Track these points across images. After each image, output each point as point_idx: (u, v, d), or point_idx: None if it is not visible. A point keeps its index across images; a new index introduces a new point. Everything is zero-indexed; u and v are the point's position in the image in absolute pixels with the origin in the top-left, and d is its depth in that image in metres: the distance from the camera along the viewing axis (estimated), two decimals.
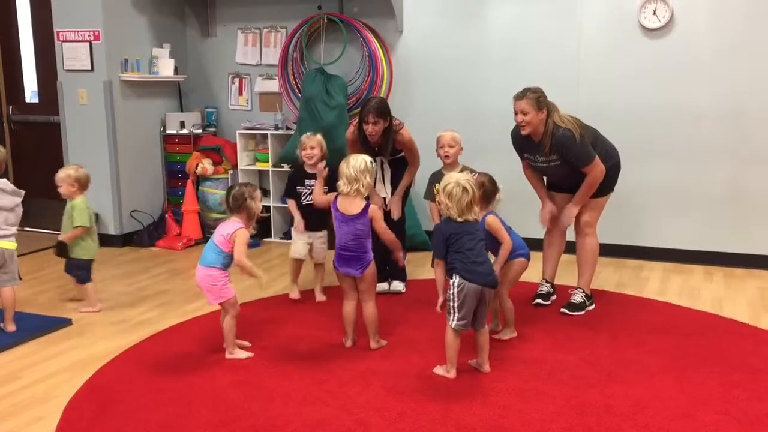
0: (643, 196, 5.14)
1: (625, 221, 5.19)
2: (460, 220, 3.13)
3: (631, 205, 5.17)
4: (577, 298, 4.09)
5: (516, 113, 3.89)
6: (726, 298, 4.32)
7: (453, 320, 3.14)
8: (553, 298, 4.26)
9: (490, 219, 3.52)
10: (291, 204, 4.41)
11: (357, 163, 3.45)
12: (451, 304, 3.14)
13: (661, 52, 4.96)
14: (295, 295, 4.40)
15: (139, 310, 4.26)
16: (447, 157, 4.13)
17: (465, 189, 3.12)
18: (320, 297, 4.41)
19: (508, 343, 3.61)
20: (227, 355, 3.46)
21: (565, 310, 4.04)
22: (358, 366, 3.34)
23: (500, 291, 3.57)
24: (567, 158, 3.89)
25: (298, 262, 4.41)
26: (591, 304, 4.13)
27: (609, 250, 5.16)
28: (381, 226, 3.49)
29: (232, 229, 3.40)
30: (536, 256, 4.45)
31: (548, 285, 4.28)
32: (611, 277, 4.79)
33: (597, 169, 3.91)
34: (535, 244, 4.43)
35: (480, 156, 4.59)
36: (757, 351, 3.49)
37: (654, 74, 5.00)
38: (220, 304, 3.45)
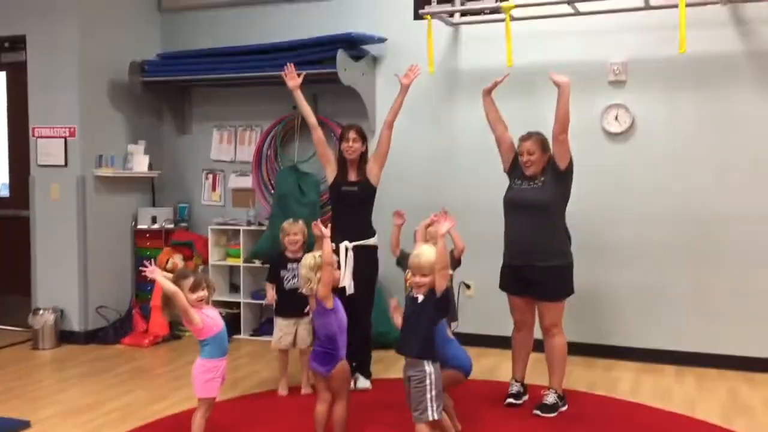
0: (612, 296, 5.20)
1: (596, 320, 5.22)
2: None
3: (601, 305, 5.21)
4: (550, 399, 4.05)
5: (522, 153, 4.05)
6: (698, 400, 4.31)
7: (434, 411, 3.05)
8: (525, 397, 4.21)
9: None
10: (268, 288, 4.48)
11: (307, 261, 3.49)
12: (428, 395, 3.05)
13: (625, 155, 5.14)
14: (282, 391, 4.36)
15: (100, 411, 4.11)
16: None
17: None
18: (306, 389, 4.35)
19: None
20: None
21: (538, 412, 3.99)
22: None
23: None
24: (551, 156, 4.00)
25: (284, 354, 4.40)
26: (564, 405, 4.09)
27: (579, 349, 5.16)
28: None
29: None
30: (505, 355, 4.46)
31: (518, 384, 4.24)
32: (582, 376, 4.77)
33: (566, 138, 3.99)
34: (503, 342, 4.44)
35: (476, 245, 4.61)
36: None
37: (618, 177, 5.16)
38: (198, 398, 3.35)
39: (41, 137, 5.71)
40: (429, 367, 3.09)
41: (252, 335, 5.88)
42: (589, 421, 3.91)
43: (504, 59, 5.02)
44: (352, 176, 4.49)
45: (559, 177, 4.05)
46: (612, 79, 5.15)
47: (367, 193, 4.47)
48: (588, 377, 4.76)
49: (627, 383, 4.64)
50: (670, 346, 5.08)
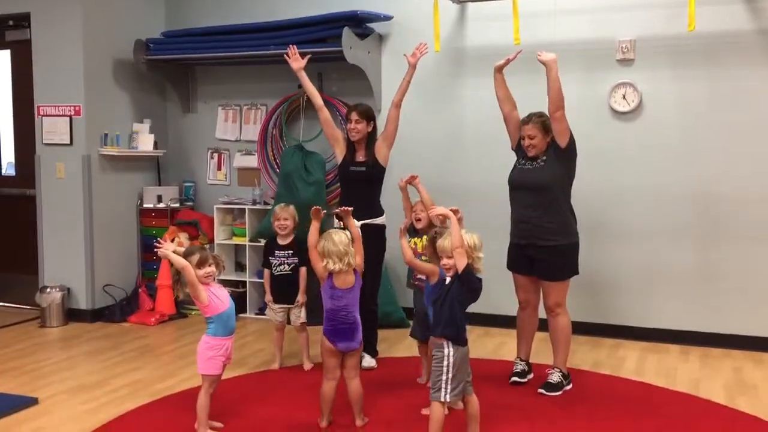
0: (619, 275, 5.19)
1: (601, 300, 5.23)
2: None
3: (608, 285, 5.21)
4: (555, 377, 4.06)
5: (523, 138, 4.05)
6: (702, 379, 4.32)
7: (447, 393, 3.07)
8: (530, 376, 4.23)
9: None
10: (265, 275, 4.55)
11: (340, 238, 3.44)
12: (444, 377, 3.07)
13: (631, 134, 5.11)
14: (274, 365, 4.47)
15: (108, 388, 4.14)
16: (418, 220, 4.12)
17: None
18: (308, 365, 4.45)
19: (484, 420, 3.54)
20: None
21: (543, 390, 4.00)
22: None
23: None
24: (552, 135, 4.00)
25: (279, 331, 4.51)
26: (568, 384, 4.11)
27: (585, 329, 5.18)
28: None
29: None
30: (510, 335, 4.48)
31: (523, 363, 4.26)
32: (588, 356, 4.78)
33: (562, 116, 3.99)
34: (508, 322, 4.45)
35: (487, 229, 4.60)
36: None
37: (626, 156, 5.13)
38: (201, 375, 3.37)
39: (46, 116, 5.71)
40: (448, 349, 3.10)
41: (258, 314, 5.90)
42: (593, 399, 3.93)
43: (511, 37, 4.99)
44: (360, 156, 4.48)
45: (561, 155, 4.03)
46: (620, 57, 5.10)
47: (375, 173, 4.46)
48: (593, 356, 4.77)
49: (632, 362, 4.65)
50: (675, 325, 5.08)
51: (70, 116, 5.63)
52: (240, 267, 6.14)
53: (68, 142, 5.65)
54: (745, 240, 4.89)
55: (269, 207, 5.78)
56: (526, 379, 4.19)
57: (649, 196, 5.09)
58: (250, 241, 5.88)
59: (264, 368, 4.49)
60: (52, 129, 5.69)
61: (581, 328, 5.24)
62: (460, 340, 3.14)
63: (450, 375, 3.07)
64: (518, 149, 4.21)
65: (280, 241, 4.50)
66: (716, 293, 4.99)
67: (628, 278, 5.18)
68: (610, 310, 5.24)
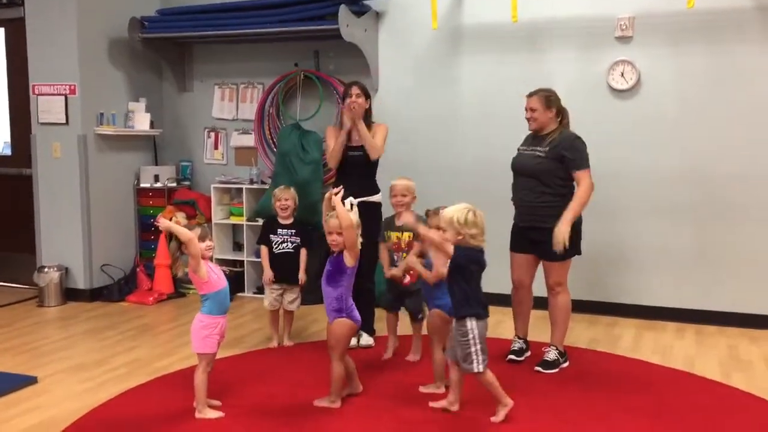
0: (615, 253, 5.21)
1: (598, 278, 5.25)
2: (484, 245, 3.21)
3: (604, 262, 5.23)
4: (551, 355, 4.09)
5: (526, 110, 4.10)
6: (697, 356, 4.35)
7: (479, 364, 3.21)
8: (527, 354, 4.26)
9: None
10: (263, 252, 4.56)
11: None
12: (472, 349, 3.19)
13: (630, 112, 5.10)
14: (272, 344, 4.54)
15: (107, 367, 4.16)
16: (400, 205, 4.14)
17: (475, 212, 3.20)
18: (288, 342, 4.57)
19: (480, 400, 3.57)
20: (197, 415, 3.39)
21: (539, 368, 4.03)
22: (331, 426, 3.29)
23: (432, 344, 3.68)
24: (565, 154, 3.96)
25: (274, 314, 4.57)
26: (565, 361, 4.13)
27: (582, 307, 5.20)
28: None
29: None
30: (508, 313, 4.50)
31: (521, 341, 4.28)
32: (584, 333, 4.81)
33: (589, 180, 3.98)
34: (505, 301, 4.48)
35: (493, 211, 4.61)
36: (730, 409, 3.50)
37: (623, 134, 5.12)
38: (198, 354, 3.39)
39: (41, 95, 5.67)
40: (470, 323, 3.22)
41: (255, 293, 5.91)
42: (590, 377, 3.96)
43: (509, 14, 4.96)
44: (357, 140, 4.45)
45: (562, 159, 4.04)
46: (618, 34, 5.07)
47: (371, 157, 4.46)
48: (590, 334, 4.80)
49: (628, 340, 4.68)
50: (671, 303, 5.11)
51: (66, 95, 5.60)
52: (237, 246, 6.14)
53: (64, 122, 5.62)
54: (742, 218, 4.90)
55: (266, 186, 5.77)
56: (522, 357, 4.21)
57: (647, 174, 5.09)
58: (248, 220, 5.88)
59: (261, 347, 4.52)
60: (47, 108, 5.66)
61: (577, 306, 5.24)
62: (479, 314, 3.25)
63: (478, 347, 3.21)
64: (524, 139, 4.24)
65: (282, 221, 4.54)
66: (712, 271, 5.00)
67: (625, 256, 5.19)
68: (606, 287, 5.26)
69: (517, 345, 4.26)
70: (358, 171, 4.46)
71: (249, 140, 6.17)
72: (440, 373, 3.69)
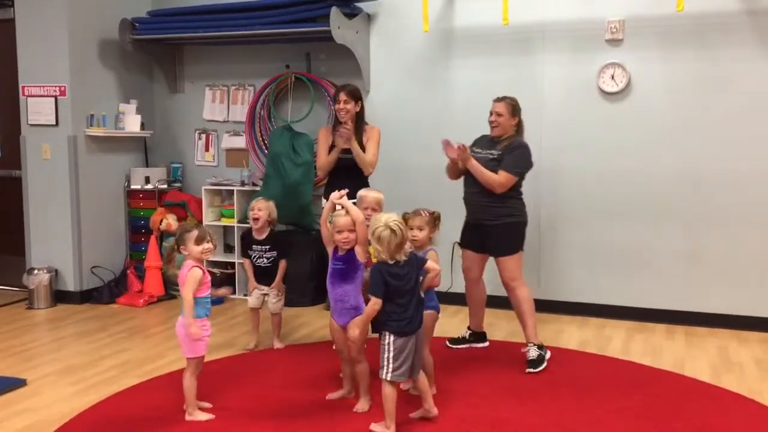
0: (605, 255, 5.22)
1: (588, 280, 5.26)
2: (391, 262, 3.15)
3: (594, 264, 5.25)
4: (532, 353, 4.14)
5: (491, 113, 4.25)
6: (687, 357, 4.36)
7: (388, 373, 3.15)
8: (481, 345, 4.49)
9: (433, 254, 3.60)
10: (246, 264, 4.57)
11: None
12: (385, 356, 3.15)
13: (620, 115, 5.12)
14: (250, 345, 4.52)
15: (96, 369, 4.14)
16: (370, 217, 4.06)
17: (393, 231, 3.12)
18: (278, 345, 4.54)
19: (471, 402, 3.58)
20: (187, 417, 3.37)
21: (530, 369, 4.05)
22: (323, 426, 3.28)
23: (419, 347, 3.57)
24: (506, 156, 4.16)
25: (255, 312, 4.57)
26: (546, 353, 4.20)
27: (572, 308, 5.24)
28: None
29: (186, 270, 3.34)
30: (491, 313, 4.65)
31: (468, 332, 4.53)
32: (575, 335, 4.82)
33: (504, 179, 4.13)
34: (489, 301, 4.60)
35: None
36: (720, 411, 3.51)
37: (613, 137, 5.14)
38: (187, 358, 3.38)
39: (31, 96, 5.64)
40: (388, 338, 3.19)
41: (246, 295, 5.89)
42: (580, 378, 3.96)
43: (500, 17, 4.98)
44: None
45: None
46: (609, 37, 5.09)
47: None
48: (580, 336, 4.81)
49: (618, 341, 4.69)
50: (661, 305, 5.12)
51: (56, 96, 5.57)
52: (229, 248, 6.13)
53: (54, 123, 5.60)
54: (731, 220, 4.93)
55: (257, 188, 5.76)
56: (456, 346, 4.46)
57: (637, 176, 5.11)
58: (239, 222, 5.87)
59: (253, 349, 4.51)
60: (37, 109, 5.63)
61: (568, 308, 5.30)
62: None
63: (391, 355, 3.17)
64: (477, 138, 4.43)
65: (256, 236, 4.47)
66: (702, 273, 5.02)
67: (615, 258, 5.21)
68: (596, 289, 5.27)
69: (461, 334, 4.55)
70: (349, 173, 4.47)
71: (240, 142, 6.16)
72: (431, 373, 3.69)
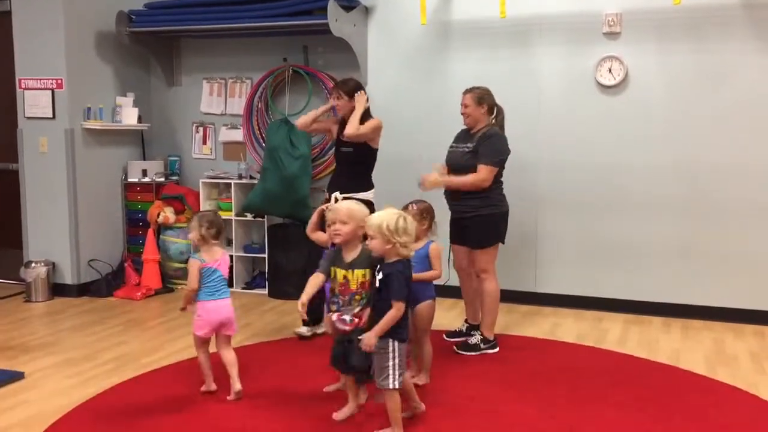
0: (602, 247, 5.24)
1: (585, 272, 5.28)
2: (412, 254, 3.13)
3: (591, 257, 5.26)
4: (473, 339, 4.32)
5: (461, 105, 4.34)
6: (683, 350, 4.38)
7: (395, 380, 3.04)
8: (463, 339, 4.51)
9: (434, 246, 3.63)
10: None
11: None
12: (390, 363, 3.04)
13: (617, 108, 5.12)
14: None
15: (94, 362, 4.15)
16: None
17: (405, 218, 3.07)
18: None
19: (468, 394, 3.60)
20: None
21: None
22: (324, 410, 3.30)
23: (420, 337, 3.63)
24: (479, 147, 4.20)
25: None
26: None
27: (569, 301, 5.26)
28: None
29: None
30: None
31: (466, 325, 4.57)
32: (572, 328, 4.84)
33: (483, 174, 4.17)
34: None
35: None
36: (715, 403, 3.54)
37: (610, 130, 5.15)
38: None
39: (28, 89, 5.63)
40: (394, 345, 3.13)
41: (244, 288, 5.92)
42: (576, 371, 3.98)
43: (497, 10, 4.97)
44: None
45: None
46: (606, 30, 5.09)
47: (362, 154, 4.44)
48: (577, 328, 4.83)
49: (615, 334, 4.71)
50: (658, 297, 5.14)
51: (53, 89, 5.57)
52: (227, 241, 6.13)
53: (51, 116, 5.59)
54: (728, 213, 4.94)
55: (255, 181, 5.77)
56: (453, 339, 4.46)
57: (634, 169, 5.12)
58: (237, 215, 5.87)
59: (248, 343, 4.52)
60: (34, 102, 5.62)
61: (566, 301, 5.31)
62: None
63: (397, 361, 3.08)
64: (456, 134, 4.48)
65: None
66: (698, 266, 5.04)
67: (611, 251, 5.22)
68: (592, 282, 5.29)
69: (457, 327, 4.60)
70: (348, 167, 4.46)
71: (237, 135, 6.16)
72: (428, 364, 3.70)
